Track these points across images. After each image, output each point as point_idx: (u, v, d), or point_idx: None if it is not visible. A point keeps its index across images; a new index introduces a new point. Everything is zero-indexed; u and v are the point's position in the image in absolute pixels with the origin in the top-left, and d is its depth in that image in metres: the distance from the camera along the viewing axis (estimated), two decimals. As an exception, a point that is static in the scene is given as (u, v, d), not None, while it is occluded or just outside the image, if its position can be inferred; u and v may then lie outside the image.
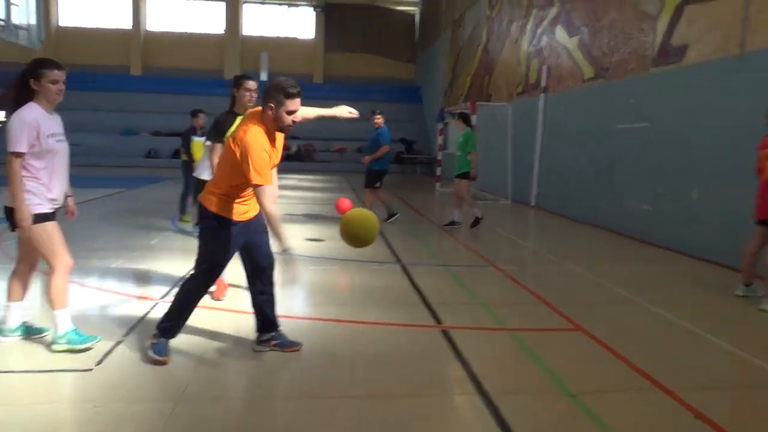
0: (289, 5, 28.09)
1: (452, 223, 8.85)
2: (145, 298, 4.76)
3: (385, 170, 8.96)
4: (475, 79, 17.78)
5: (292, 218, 9.36)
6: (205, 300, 4.65)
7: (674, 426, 2.84)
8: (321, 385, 3.22)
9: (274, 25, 28.10)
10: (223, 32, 26.74)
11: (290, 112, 3.24)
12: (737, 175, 6.46)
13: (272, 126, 3.28)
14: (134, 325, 4.00)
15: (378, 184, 8.84)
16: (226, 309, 4.47)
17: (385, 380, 3.29)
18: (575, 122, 10.68)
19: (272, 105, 3.22)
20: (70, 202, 3.75)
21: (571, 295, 5.24)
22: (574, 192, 10.56)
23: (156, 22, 26.73)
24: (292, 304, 4.55)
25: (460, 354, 3.69)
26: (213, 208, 3.34)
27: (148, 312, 4.30)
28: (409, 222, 9.32)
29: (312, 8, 27.73)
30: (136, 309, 4.40)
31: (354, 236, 3.56)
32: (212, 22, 27.03)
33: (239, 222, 3.40)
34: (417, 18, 28.93)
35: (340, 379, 3.31)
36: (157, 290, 4.94)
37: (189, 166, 8.25)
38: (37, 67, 3.29)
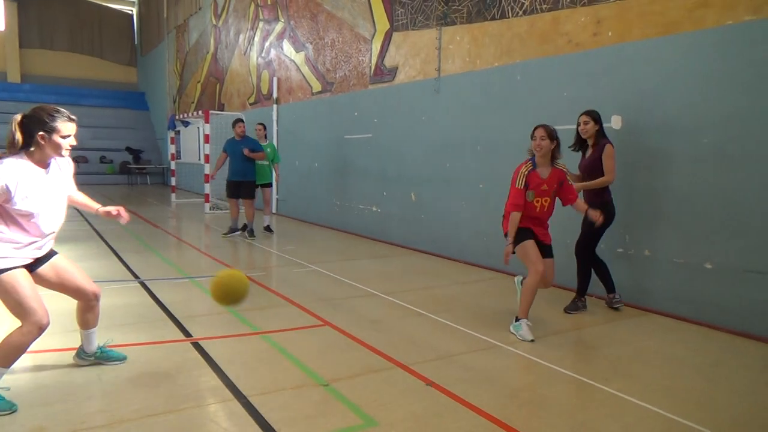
0: (-31, -12, 23.51)
1: (268, 228, 9.39)
2: None
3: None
4: (205, 87, 17.38)
5: None
6: None
7: (411, 395, 3.29)
8: (55, 421, 2.84)
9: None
10: None
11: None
12: (440, 180, 7.67)
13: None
14: None
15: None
16: None
17: (136, 402, 3.06)
18: (308, 132, 11.28)
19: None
20: None
21: (316, 294, 5.57)
22: (312, 198, 11.16)
23: None
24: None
25: (214, 363, 3.65)
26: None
27: None
28: (144, 235, 8.68)
29: (1, -5, 23.70)
30: None
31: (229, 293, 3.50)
32: None
33: None
34: (135, 18, 26.96)
35: (80, 410, 2.97)
36: None
37: None
38: None
